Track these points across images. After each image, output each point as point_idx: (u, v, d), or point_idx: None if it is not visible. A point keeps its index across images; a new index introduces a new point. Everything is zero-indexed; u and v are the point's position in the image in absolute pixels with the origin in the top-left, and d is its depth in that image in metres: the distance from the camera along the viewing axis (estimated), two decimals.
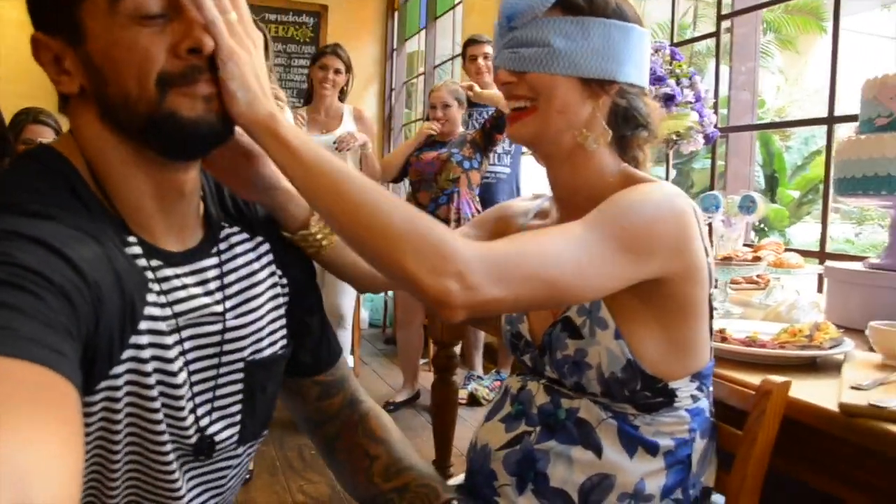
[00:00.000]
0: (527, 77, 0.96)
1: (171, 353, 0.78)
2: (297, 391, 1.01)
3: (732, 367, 1.18)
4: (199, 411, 0.83)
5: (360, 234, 0.77)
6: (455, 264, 0.75)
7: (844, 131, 2.45)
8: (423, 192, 3.40)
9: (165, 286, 0.78)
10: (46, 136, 2.96)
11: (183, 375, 0.80)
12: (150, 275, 0.76)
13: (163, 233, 0.80)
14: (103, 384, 0.71)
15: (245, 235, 0.91)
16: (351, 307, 3.53)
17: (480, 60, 3.66)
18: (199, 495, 0.87)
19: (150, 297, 0.76)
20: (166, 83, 0.72)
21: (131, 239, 0.77)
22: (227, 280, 0.86)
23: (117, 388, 0.72)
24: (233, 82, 0.74)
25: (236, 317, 0.86)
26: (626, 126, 1.00)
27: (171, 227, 0.81)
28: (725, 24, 2.94)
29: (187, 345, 0.81)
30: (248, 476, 2.60)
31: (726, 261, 1.71)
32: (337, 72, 3.38)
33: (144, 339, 0.74)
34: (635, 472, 0.96)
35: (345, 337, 3.46)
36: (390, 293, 3.04)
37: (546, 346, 1.03)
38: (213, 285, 0.84)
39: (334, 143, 3.27)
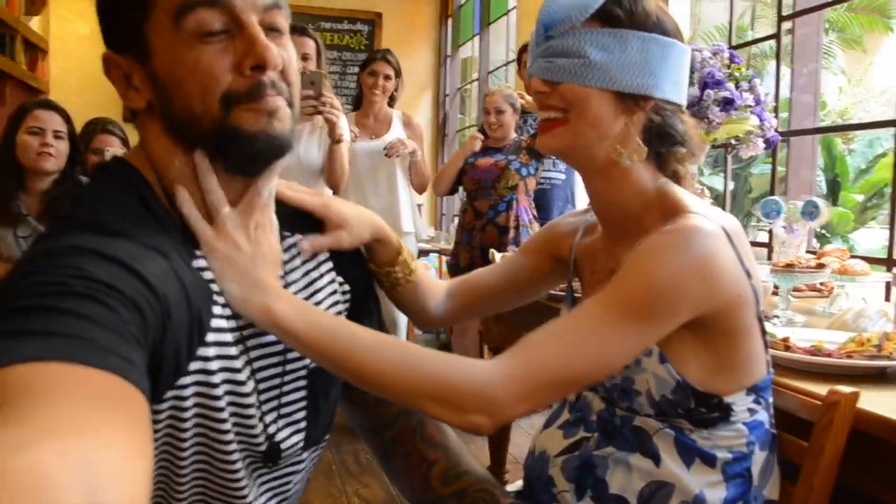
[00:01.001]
0: (560, 88, 0.95)
1: (238, 363, 0.79)
2: (355, 398, 1.03)
3: (797, 376, 1.16)
4: (267, 419, 0.85)
5: (380, 391, 0.83)
6: (477, 399, 0.79)
7: None
8: (481, 199, 3.40)
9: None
10: (114, 144, 3.07)
11: (251, 384, 0.81)
12: (214, 287, 0.78)
13: None
14: (170, 394, 0.73)
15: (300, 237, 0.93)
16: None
17: None
18: (266, 501, 0.90)
19: (216, 310, 0.77)
20: (231, 101, 0.74)
21: (198, 252, 0.79)
22: (289, 290, 0.88)
23: (184, 399, 0.74)
24: (220, 280, 0.78)
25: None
26: (661, 143, 0.98)
27: None
28: (786, 25, 2.88)
29: (253, 353, 0.83)
30: None
31: (788, 268, 1.67)
32: (387, 77, 3.39)
33: (211, 351, 0.76)
34: (694, 483, 0.95)
35: None
36: None
37: None
38: None
39: (384, 149, 3.29)
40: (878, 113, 10.37)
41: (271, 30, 0.77)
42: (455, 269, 3.47)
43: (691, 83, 2.33)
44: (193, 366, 0.74)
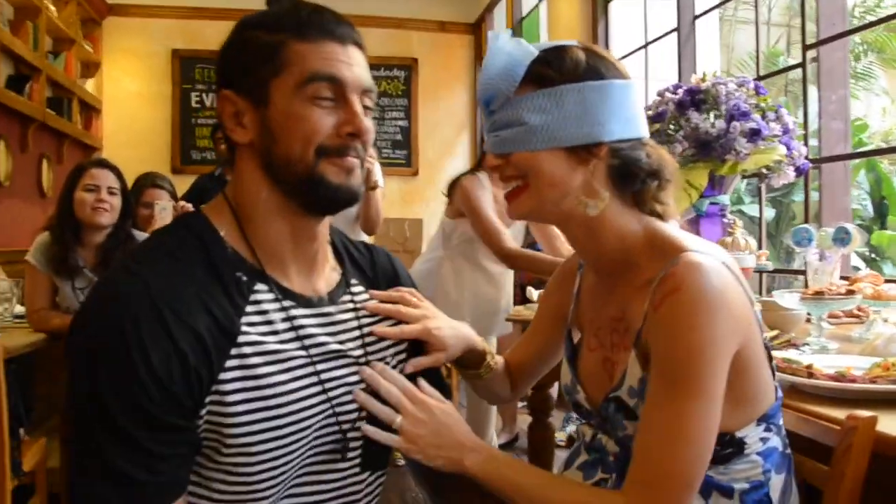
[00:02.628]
0: (511, 158, 0.98)
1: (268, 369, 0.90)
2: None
3: (821, 402, 1.17)
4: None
5: None
6: None
7: None
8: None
9: (296, 323, 0.94)
10: (163, 198, 3.23)
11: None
12: (243, 335, 0.89)
13: (295, 274, 0.97)
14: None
15: (367, 294, 1.07)
16: None
17: None
18: None
19: (233, 351, 0.88)
20: (322, 153, 0.91)
21: (260, 287, 0.92)
22: (364, 328, 1.02)
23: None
24: (430, 463, 0.97)
25: (374, 356, 1.01)
26: (630, 182, 0.99)
27: (301, 268, 0.98)
28: (812, 53, 2.90)
29: (324, 375, 0.95)
30: None
31: (818, 296, 1.68)
32: None
33: (231, 374, 0.87)
34: None
35: None
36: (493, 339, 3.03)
37: (605, 416, 1.04)
38: (339, 327, 0.99)
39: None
40: None
41: (363, 107, 0.94)
42: None
43: (719, 116, 2.37)
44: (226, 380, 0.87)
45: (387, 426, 0.97)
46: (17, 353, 2.30)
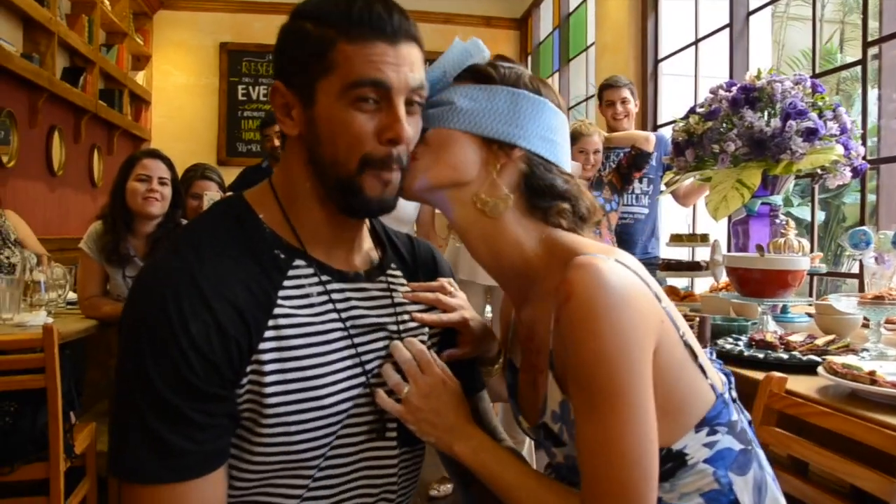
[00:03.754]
0: (427, 134, 0.96)
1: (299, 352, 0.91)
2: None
3: (885, 410, 1.14)
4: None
5: None
6: None
7: None
8: None
9: (334, 297, 0.95)
10: (212, 189, 3.27)
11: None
12: (278, 308, 0.90)
13: (333, 253, 0.98)
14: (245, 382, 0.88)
15: (404, 280, 1.08)
16: None
17: (619, 106, 3.62)
18: (354, 481, 0.97)
19: (270, 322, 0.89)
20: (366, 164, 0.90)
21: (299, 263, 0.94)
22: (398, 307, 1.02)
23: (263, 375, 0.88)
24: (423, 437, 0.97)
25: (407, 333, 1.02)
26: (537, 196, 0.96)
27: (339, 248, 0.99)
28: (873, 50, 2.82)
29: (361, 349, 0.96)
30: None
31: (877, 300, 1.63)
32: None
33: (268, 345, 0.88)
34: None
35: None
36: None
37: (540, 443, 1.02)
38: (375, 302, 1.00)
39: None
40: None
41: (410, 103, 0.91)
42: None
43: (773, 114, 2.32)
44: (265, 351, 0.88)
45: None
46: (69, 339, 2.36)
